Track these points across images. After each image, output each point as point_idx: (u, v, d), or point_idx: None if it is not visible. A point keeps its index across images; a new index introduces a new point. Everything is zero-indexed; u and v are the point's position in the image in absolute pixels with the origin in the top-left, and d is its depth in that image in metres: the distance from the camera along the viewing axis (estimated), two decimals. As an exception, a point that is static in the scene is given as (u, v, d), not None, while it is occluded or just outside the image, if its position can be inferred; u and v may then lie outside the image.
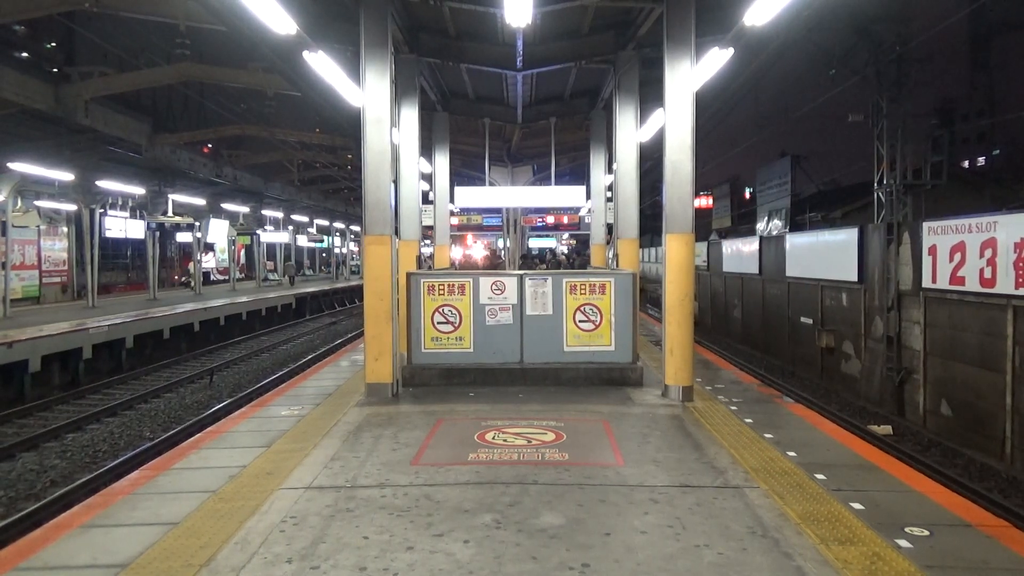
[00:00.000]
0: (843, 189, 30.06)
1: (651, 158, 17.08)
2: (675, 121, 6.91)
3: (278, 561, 3.38)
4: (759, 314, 19.72)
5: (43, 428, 10.29)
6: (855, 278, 14.01)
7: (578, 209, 23.18)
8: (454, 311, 7.76)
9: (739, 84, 14.50)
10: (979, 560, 3.39)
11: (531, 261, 21.90)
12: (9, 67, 14.37)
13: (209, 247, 33.82)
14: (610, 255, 13.81)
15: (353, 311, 30.13)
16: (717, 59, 7.75)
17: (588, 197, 15.77)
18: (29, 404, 11.65)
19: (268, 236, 33.46)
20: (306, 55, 7.57)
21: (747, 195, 41.50)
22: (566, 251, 35.56)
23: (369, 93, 7.08)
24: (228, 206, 27.49)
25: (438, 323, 7.76)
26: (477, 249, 38.06)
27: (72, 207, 20.97)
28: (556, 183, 16.42)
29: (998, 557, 3.41)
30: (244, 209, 29.35)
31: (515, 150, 18.73)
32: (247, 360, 17.34)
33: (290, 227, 36.46)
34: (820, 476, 4.58)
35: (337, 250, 47.91)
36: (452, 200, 15.41)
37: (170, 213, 23.06)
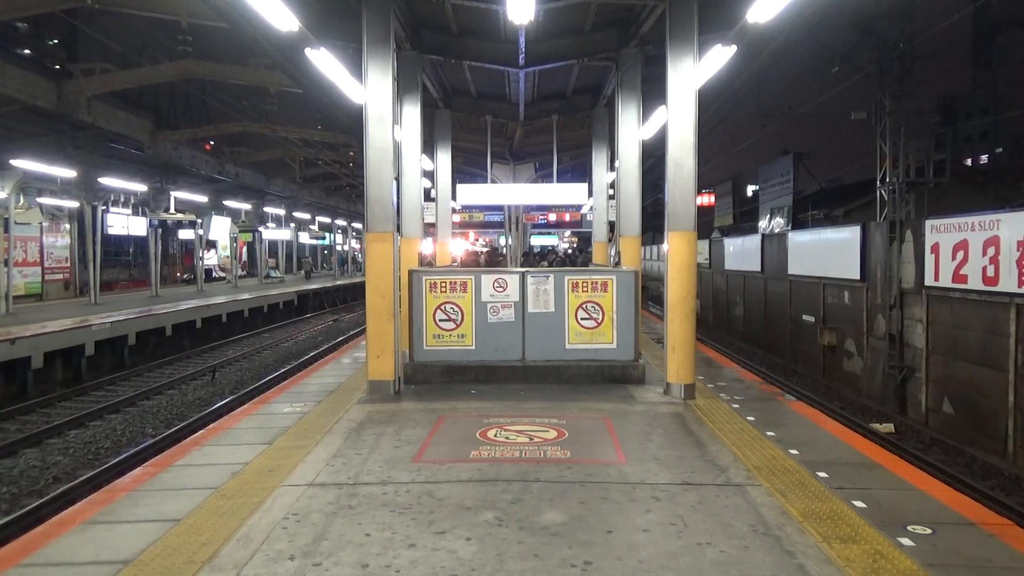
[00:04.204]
0: (845, 187, 30.02)
1: (653, 156, 17.06)
2: (678, 119, 6.90)
3: (280, 558, 3.38)
4: (761, 312, 19.70)
5: (46, 424, 10.32)
6: (857, 276, 13.98)
7: (580, 207, 23.18)
8: (456, 308, 7.76)
9: (742, 82, 14.46)
10: (982, 558, 3.38)
11: (533, 258, 21.87)
12: (11, 64, 14.37)
13: (211, 244, 33.85)
14: (612, 253, 13.80)
15: (355, 308, 30.15)
16: (720, 56, 7.72)
17: (590, 195, 15.77)
18: (32, 400, 11.67)
19: (270, 233, 33.48)
20: (308, 52, 7.56)
21: (749, 193, 41.46)
22: (568, 249, 35.53)
23: (371, 90, 7.07)
24: (230, 203, 27.50)
25: (440, 320, 7.76)
26: (458, 245, 37.30)
27: (74, 204, 21.00)
28: (558, 180, 16.39)
29: (1000, 555, 3.41)
30: (246, 206, 29.36)
31: (517, 147, 18.71)
32: (249, 357, 17.36)
33: (292, 224, 36.48)
34: (822, 474, 4.58)
35: (339, 247, 47.92)
36: (454, 197, 15.40)
37: (172, 210, 23.08)
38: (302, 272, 40.19)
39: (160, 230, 23.31)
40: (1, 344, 11.35)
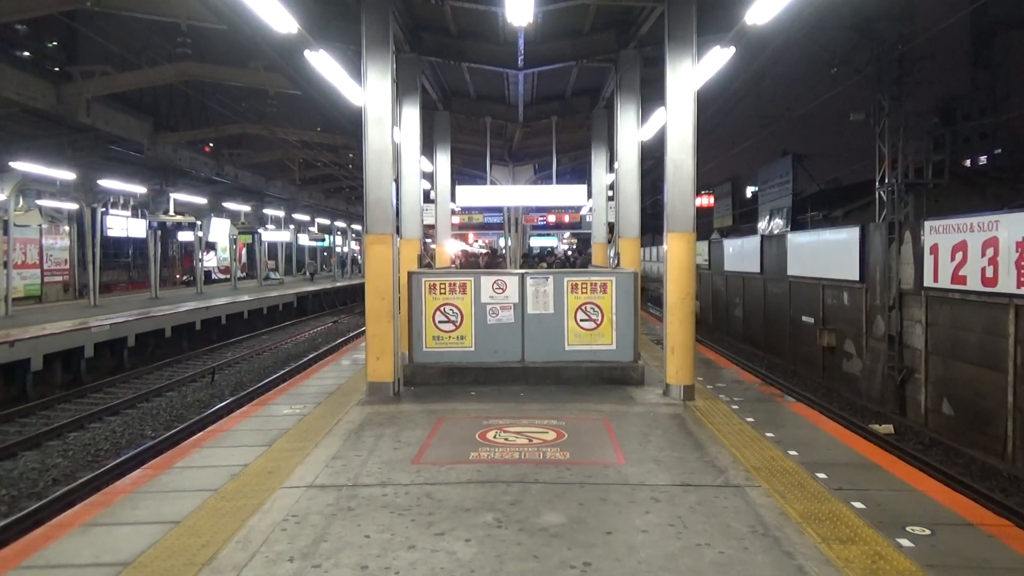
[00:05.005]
0: (844, 188, 30.04)
1: (652, 157, 17.05)
2: (676, 120, 6.91)
3: (280, 560, 3.39)
4: (760, 313, 19.71)
5: (45, 427, 10.31)
6: (857, 277, 13.99)
7: (579, 208, 23.18)
8: (455, 310, 7.76)
9: (741, 83, 14.49)
10: (981, 559, 3.39)
11: (532, 260, 21.87)
12: (10, 66, 14.38)
13: (211, 246, 33.82)
14: (611, 254, 13.81)
15: (354, 309, 30.13)
16: (718, 58, 7.74)
17: (589, 196, 15.77)
18: (31, 403, 11.66)
19: (269, 235, 33.48)
20: (307, 54, 7.56)
21: (748, 194, 41.50)
22: (568, 250, 35.53)
23: (370, 92, 7.08)
24: (229, 205, 27.50)
25: (439, 322, 7.76)
26: (452, 246, 37.34)
27: (74, 206, 20.99)
28: (557, 182, 16.40)
29: (1000, 556, 3.41)
30: (245, 208, 29.35)
31: (516, 149, 18.72)
32: (248, 359, 17.35)
33: (291, 226, 36.50)
34: (821, 475, 4.58)
35: (338, 249, 47.95)
36: (453, 199, 15.41)
37: (171, 212, 23.07)
38: (306, 273, 40.98)
39: (159, 232, 23.32)
40: (0, 346, 11.35)
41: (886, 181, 14.07)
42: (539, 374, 7.66)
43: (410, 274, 7.91)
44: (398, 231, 8.21)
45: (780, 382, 13.95)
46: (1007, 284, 9.56)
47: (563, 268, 18.39)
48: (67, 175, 17.47)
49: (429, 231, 16.67)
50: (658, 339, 10.61)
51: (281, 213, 33.62)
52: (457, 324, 7.76)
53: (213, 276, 35.05)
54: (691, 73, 6.87)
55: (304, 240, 41.24)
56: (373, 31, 7.05)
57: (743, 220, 38.79)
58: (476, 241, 41.26)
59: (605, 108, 13.68)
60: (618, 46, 10.12)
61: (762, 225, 31.57)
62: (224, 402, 11.91)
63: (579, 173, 23.46)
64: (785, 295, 17.79)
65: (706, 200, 41.72)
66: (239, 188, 27.07)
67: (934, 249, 11.42)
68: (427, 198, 15.86)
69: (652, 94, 10.25)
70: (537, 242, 32.34)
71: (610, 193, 14.35)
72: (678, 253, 6.93)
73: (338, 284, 34.30)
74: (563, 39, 10.31)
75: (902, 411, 12.39)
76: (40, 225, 20.80)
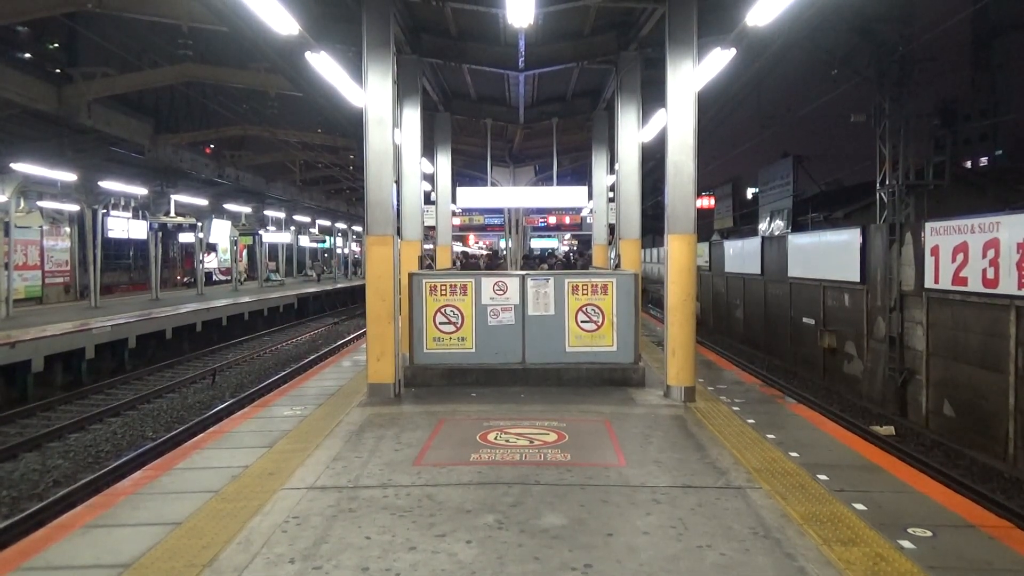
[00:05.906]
0: (845, 189, 30.01)
1: (653, 158, 17.08)
2: (677, 122, 6.91)
3: (280, 561, 3.38)
4: (761, 314, 19.70)
5: (46, 428, 10.31)
6: (857, 278, 13.99)
7: (580, 209, 23.19)
8: (456, 311, 7.76)
9: (741, 84, 14.49)
10: (982, 561, 3.38)
11: (533, 261, 21.86)
12: (12, 68, 14.41)
13: (212, 247, 33.84)
14: (612, 255, 13.81)
15: (355, 311, 30.13)
16: (719, 59, 7.74)
17: (590, 197, 15.77)
18: (32, 404, 11.66)
19: (270, 236, 33.49)
20: (308, 56, 7.58)
21: (749, 195, 41.48)
22: (569, 252, 35.51)
23: (371, 93, 7.09)
24: (230, 206, 27.52)
25: (440, 323, 7.76)
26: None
27: (75, 207, 21.00)
28: (558, 183, 16.37)
29: (1001, 558, 3.41)
30: (246, 209, 29.37)
31: (517, 150, 18.72)
32: (249, 360, 17.35)
33: (292, 227, 36.51)
34: (822, 477, 4.58)
35: (339, 251, 47.96)
36: (454, 200, 15.42)
37: (172, 213, 23.09)
38: (311, 274, 41.73)
39: (160, 233, 23.30)
40: (1, 348, 11.35)
41: (887, 182, 14.08)
42: (540, 375, 7.66)
43: (411, 275, 7.91)
44: (399, 232, 8.21)
45: (781, 383, 13.94)
46: (1008, 285, 9.55)
47: (564, 269, 18.39)
48: (68, 176, 17.49)
49: (430, 232, 16.67)
50: (659, 340, 10.60)
51: (282, 214, 33.63)
52: (458, 325, 7.77)
53: (214, 277, 35.06)
54: (692, 75, 6.88)
55: (305, 241, 41.27)
56: (374, 33, 7.06)
57: (744, 221, 38.73)
58: (477, 243, 41.30)
59: (606, 110, 13.69)
60: (619, 48, 10.12)
61: (763, 226, 31.52)
62: (225, 403, 11.91)
63: (580, 174, 23.49)
64: (786, 296, 17.79)
65: (706, 201, 41.63)
66: (240, 190, 27.09)
67: (935, 250, 11.41)
68: (428, 199, 15.87)
69: (653, 95, 10.24)
70: (538, 243, 32.30)
71: (611, 194, 14.36)
72: (679, 254, 6.93)
73: (339, 285, 34.29)
74: (564, 41, 10.32)
75: (903, 413, 12.38)
76: (41, 226, 20.80)
